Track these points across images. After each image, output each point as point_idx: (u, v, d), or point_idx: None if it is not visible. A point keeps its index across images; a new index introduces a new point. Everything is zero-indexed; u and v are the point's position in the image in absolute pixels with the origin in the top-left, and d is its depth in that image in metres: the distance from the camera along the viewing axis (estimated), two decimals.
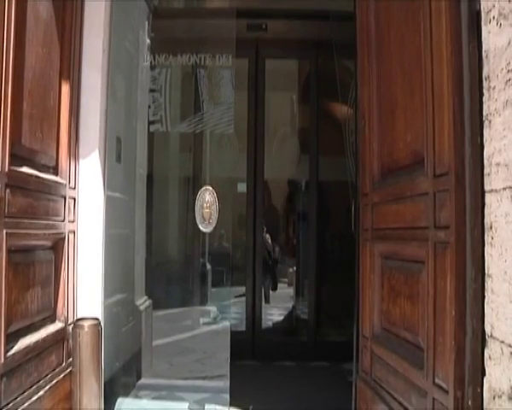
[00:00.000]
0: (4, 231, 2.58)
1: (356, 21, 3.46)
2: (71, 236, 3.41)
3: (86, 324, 3.24)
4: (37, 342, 2.91)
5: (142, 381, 4.55)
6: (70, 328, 3.30)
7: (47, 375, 3.05)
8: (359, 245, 3.42)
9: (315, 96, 6.18)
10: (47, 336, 3.04)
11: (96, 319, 3.31)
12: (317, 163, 6.10)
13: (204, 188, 4.10)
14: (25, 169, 2.83)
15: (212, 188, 4.12)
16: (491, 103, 2.06)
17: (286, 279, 7.48)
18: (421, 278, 2.52)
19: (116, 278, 4.18)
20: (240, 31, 5.09)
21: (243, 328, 5.93)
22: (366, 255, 3.30)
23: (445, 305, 2.25)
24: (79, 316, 3.39)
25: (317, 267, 5.93)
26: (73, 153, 3.45)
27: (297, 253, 6.50)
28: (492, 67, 2.06)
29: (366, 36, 3.31)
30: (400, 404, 2.70)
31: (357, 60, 3.46)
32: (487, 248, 2.07)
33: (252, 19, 5.88)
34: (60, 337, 3.22)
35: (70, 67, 3.40)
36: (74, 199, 3.48)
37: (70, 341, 3.28)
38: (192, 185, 6.04)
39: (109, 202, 3.81)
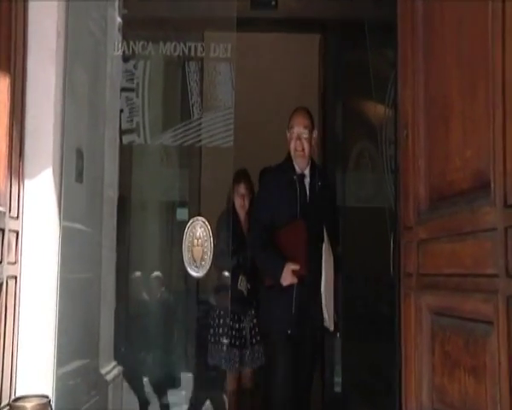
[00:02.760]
0: None
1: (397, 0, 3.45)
2: (10, 282, 3.38)
3: (29, 404, 3.16)
4: None
5: None
6: None
7: None
8: (400, 295, 3.39)
9: (340, 93, 6.18)
10: None
11: (45, 396, 3.24)
12: (342, 182, 6.07)
13: (194, 219, 4.11)
14: None
15: (206, 219, 4.17)
16: None
17: None
18: (489, 345, 2.45)
19: (74, 339, 4.13)
20: (242, 9, 5.08)
21: None
22: (410, 309, 3.26)
23: None
24: (20, 393, 3.32)
25: (343, 322, 5.86)
26: (16, 171, 3.44)
27: None
28: None
29: (410, 19, 3.30)
30: None
31: (397, 50, 3.45)
32: None
33: None
34: None
35: (10, 56, 3.37)
36: (17, 233, 3.46)
37: None
38: (178, 214, 5.98)
39: (66, 236, 3.80)
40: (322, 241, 4.29)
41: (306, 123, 4.49)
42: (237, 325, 5.14)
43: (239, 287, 5.03)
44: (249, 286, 5.07)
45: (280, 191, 4.48)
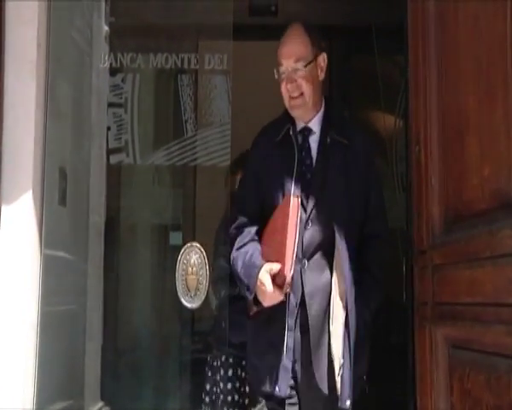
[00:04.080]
0: None
1: (407, 0, 3.46)
2: None
3: None
4: None
5: None
6: None
7: None
8: (414, 326, 3.36)
9: (346, 103, 6.18)
10: None
11: None
12: None
13: (188, 245, 4.11)
14: None
15: (201, 243, 4.18)
16: None
17: None
18: None
19: (56, 378, 4.12)
20: (239, 16, 5.07)
21: None
22: (425, 342, 3.21)
23: None
24: None
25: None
26: None
27: None
28: None
29: (421, 21, 3.29)
30: None
31: (407, 56, 3.44)
32: None
33: None
34: None
35: None
36: None
37: None
38: (171, 239, 5.96)
39: (48, 265, 3.78)
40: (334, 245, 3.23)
41: (300, 52, 3.40)
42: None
43: None
44: None
45: (272, 159, 3.38)
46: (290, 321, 3.19)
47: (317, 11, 6.00)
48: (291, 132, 3.37)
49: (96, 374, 4.83)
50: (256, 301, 3.23)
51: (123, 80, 5.03)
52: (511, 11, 2.41)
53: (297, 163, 3.29)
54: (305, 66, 3.35)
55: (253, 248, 3.32)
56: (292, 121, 3.41)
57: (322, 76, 3.48)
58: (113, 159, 5.00)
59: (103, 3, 4.99)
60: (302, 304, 3.22)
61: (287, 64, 3.36)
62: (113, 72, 4.95)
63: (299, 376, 3.23)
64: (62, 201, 4.27)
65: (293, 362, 3.21)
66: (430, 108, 3.20)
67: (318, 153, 3.35)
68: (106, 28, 4.96)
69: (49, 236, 3.75)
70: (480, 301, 2.67)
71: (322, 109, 3.48)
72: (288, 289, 3.16)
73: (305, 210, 3.26)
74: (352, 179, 3.34)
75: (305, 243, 3.24)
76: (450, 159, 3.01)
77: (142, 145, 5.11)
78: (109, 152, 4.97)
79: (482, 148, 2.67)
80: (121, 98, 5.03)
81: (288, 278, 3.10)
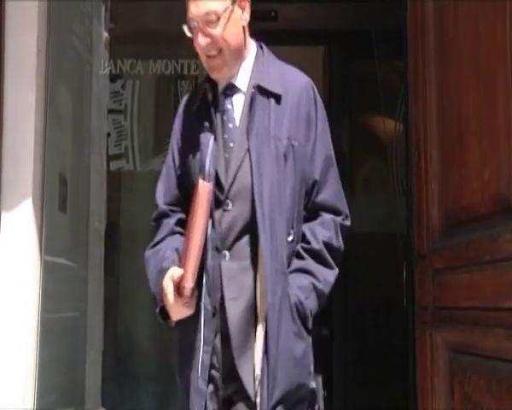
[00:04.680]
0: None
1: (406, 4, 3.44)
2: None
3: None
4: None
5: None
6: None
7: None
8: (415, 330, 3.33)
9: (346, 108, 6.19)
10: None
11: None
12: (350, 205, 6.03)
13: None
14: None
15: None
16: None
17: None
18: None
19: (57, 385, 4.09)
20: None
21: None
22: (425, 346, 3.19)
23: None
24: None
25: (353, 358, 5.84)
26: None
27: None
28: None
29: (421, 25, 3.28)
30: None
31: (407, 60, 3.43)
32: None
33: (255, 3, 5.89)
34: None
35: None
36: None
37: None
38: None
39: (48, 272, 3.76)
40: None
41: (209, 3, 2.60)
42: None
43: None
44: None
45: (189, 132, 2.79)
46: (207, 332, 2.55)
47: (316, 16, 6.01)
48: (209, 95, 2.73)
49: (96, 380, 4.81)
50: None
51: (123, 87, 5.03)
52: (510, 14, 2.41)
53: (215, 131, 2.66)
54: (221, 15, 2.60)
55: (167, 245, 2.70)
56: (212, 80, 2.75)
57: (245, 18, 2.72)
58: (114, 165, 5.01)
59: (103, 10, 4.98)
60: (223, 307, 2.56)
61: (198, 16, 2.60)
62: (112, 78, 4.96)
63: (221, 392, 2.58)
64: (62, 207, 4.26)
65: (214, 378, 2.57)
66: (430, 112, 3.19)
67: (243, 114, 2.67)
68: (106, 35, 4.96)
69: (49, 242, 3.74)
70: (480, 306, 2.66)
71: (251, 58, 2.78)
72: (187, 304, 2.53)
73: (223, 189, 2.60)
74: (287, 143, 2.64)
75: (223, 230, 2.58)
76: (450, 163, 3.00)
77: (142, 151, 5.11)
78: (109, 158, 4.97)
79: (482, 152, 2.66)
80: (121, 105, 5.03)
81: (187, 291, 2.49)
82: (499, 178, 2.50)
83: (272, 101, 2.68)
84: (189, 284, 2.48)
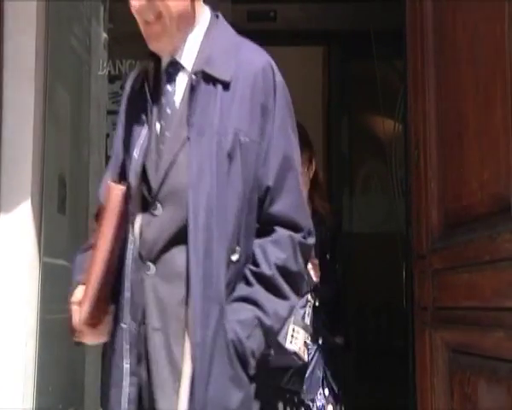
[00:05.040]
0: None
1: (405, 4, 3.44)
2: None
3: None
4: None
5: None
6: None
7: None
8: (414, 330, 3.33)
9: (345, 108, 6.19)
10: None
11: None
12: (349, 206, 6.05)
13: None
14: None
15: None
16: None
17: None
18: None
19: (56, 386, 4.06)
20: (238, 22, 5.05)
21: None
22: (425, 346, 3.19)
23: None
24: None
25: (352, 358, 5.83)
26: None
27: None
28: None
29: (420, 25, 3.27)
30: None
31: (406, 61, 3.42)
32: None
33: (254, 4, 5.90)
34: None
35: None
36: None
37: None
38: None
39: (47, 274, 3.74)
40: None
41: None
42: None
43: (288, 346, 3.23)
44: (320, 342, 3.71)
45: (126, 119, 2.38)
46: (126, 363, 2.15)
47: (315, 16, 6.02)
48: (149, 73, 2.30)
49: (96, 382, 4.79)
50: None
51: (122, 87, 5.02)
52: (509, 15, 2.40)
53: (150, 116, 2.22)
54: None
55: (89, 254, 2.25)
56: (155, 56, 2.31)
57: None
58: None
59: (102, 10, 4.97)
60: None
61: None
62: (111, 79, 4.93)
63: None
64: (62, 208, 4.23)
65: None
66: (429, 112, 3.19)
67: (183, 101, 2.20)
68: (104, 35, 4.94)
69: (48, 244, 3.73)
70: (479, 306, 2.66)
71: (201, 29, 2.31)
72: (78, 339, 2.24)
73: (151, 188, 2.17)
74: (234, 138, 2.15)
75: (149, 237, 2.14)
76: (449, 163, 3.00)
77: None
78: (108, 159, 4.95)
79: (481, 152, 2.66)
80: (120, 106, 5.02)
81: (82, 318, 2.14)
82: (498, 178, 2.50)
83: (219, 87, 2.18)
84: (85, 310, 2.12)
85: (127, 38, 5.05)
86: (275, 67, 2.30)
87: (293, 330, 3.27)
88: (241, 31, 4.83)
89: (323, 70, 6.78)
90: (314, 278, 3.67)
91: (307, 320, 3.46)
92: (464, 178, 2.82)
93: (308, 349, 3.45)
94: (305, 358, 3.40)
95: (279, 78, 2.30)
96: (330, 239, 3.93)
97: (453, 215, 2.96)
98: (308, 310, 3.49)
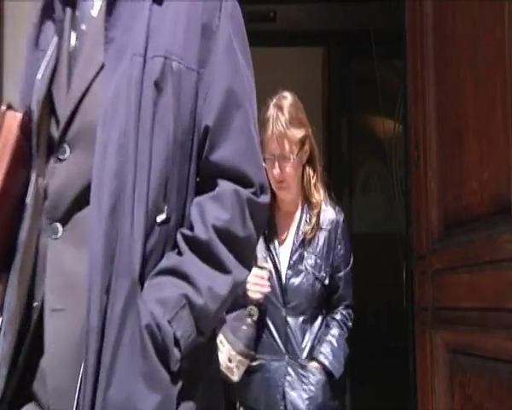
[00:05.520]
0: None
1: (405, 4, 3.44)
2: None
3: None
4: None
5: None
6: None
7: None
8: (414, 331, 3.33)
9: (345, 109, 6.18)
10: None
11: None
12: (349, 206, 6.04)
13: None
14: None
15: None
16: None
17: None
18: None
19: None
20: None
21: None
22: (425, 347, 3.19)
23: None
24: None
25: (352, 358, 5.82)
26: None
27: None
28: None
29: (420, 25, 3.26)
30: None
31: (406, 61, 3.42)
32: None
33: (254, 4, 5.88)
34: None
35: None
36: None
37: None
38: None
39: None
40: None
41: None
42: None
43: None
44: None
45: (38, 32, 1.79)
46: (7, 348, 1.61)
47: (315, 17, 6.00)
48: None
49: None
50: None
51: None
52: (509, 14, 2.40)
53: (61, 32, 1.72)
54: None
55: None
56: None
57: None
58: None
59: None
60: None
61: None
62: None
63: None
64: None
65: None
66: (429, 113, 3.19)
67: (100, 12, 1.71)
68: None
69: None
70: (480, 306, 2.65)
71: None
72: None
73: (58, 123, 1.68)
74: (164, 63, 1.65)
75: (53, 190, 1.65)
76: (449, 163, 3.00)
77: None
78: None
79: (481, 152, 2.65)
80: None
81: None
82: (498, 178, 2.49)
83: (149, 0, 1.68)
84: None
85: None
86: None
87: (220, 341, 3.00)
88: None
89: (323, 70, 6.76)
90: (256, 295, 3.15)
91: (241, 335, 3.09)
92: (464, 179, 2.81)
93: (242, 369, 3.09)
94: (233, 378, 3.05)
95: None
96: None
97: (453, 215, 2.95)
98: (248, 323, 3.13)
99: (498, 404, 2.51)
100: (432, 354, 3.12)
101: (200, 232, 1.63)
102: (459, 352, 2.89)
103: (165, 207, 1.63)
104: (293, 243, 3.32)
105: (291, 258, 3.29)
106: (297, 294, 3.26)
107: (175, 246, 1.66)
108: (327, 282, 3.39)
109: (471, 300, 2.72)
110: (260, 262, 3.20)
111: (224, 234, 1.64)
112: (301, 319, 3.28)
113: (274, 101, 3.27)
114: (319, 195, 3.36)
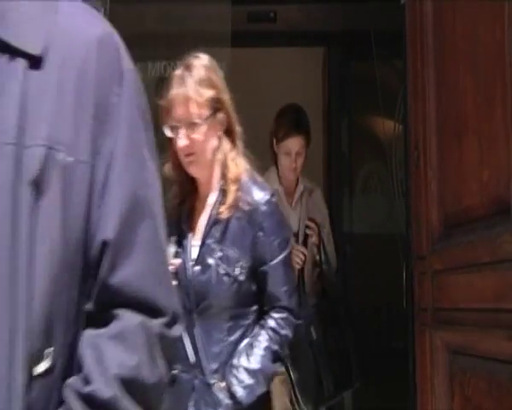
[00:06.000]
0: None
1: (405, 4, 3.43)
2: None
3: None
4: None
5: None
6: None
7: None
8: (414, 331, 3.32)
9: (345, 109, 6.18)
10: None
11: None
12: (349, 207, 6.03)
13: None
14: None
15: None
16: None
17: None
18: None
19: None
20: (238, 23, 5.05)
21: None
22: (425, 348, 3.18)
23: None
24: None
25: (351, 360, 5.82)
26: None
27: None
28: None
29: (420, 26, 3.25)
30: None
31: (406, 62, 3.41)
32: None
33: (254, 5, 5.89)
34: None
35: None
36: None
37: None
38: None
39: None
40: None
41: None
42: None
43: None
44: None
45: None
46: None
47: (315, 17, 5.99)
48: None
49: None
50: None
51: None
52: (509, 14, 2.39)
53: None
54: None
55: None
56: None
57: None
58: None
59: (102, 13, 4.96)
60: None
61: None
62: None
63: None
64: None
65: None
66: (429, 114, 3.18)
67: None
68: None
69: None
70: (479, 307, 2.65)
71: None
72: None
73: None
74: (45, 154, 1.15)
75: None
76: (449, 164, 2.99)
77: None
78: None
79: (481, 153, 2.64)
80: None
81: None
82: (498, 180, 2.48)
83: (22, 63, 1.18)
84: None
85: (126, 40, 5.06)
86: (121, 45, 1.35)
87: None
88: (241, 32, 4.83)
89: (323, 71, 6.75)
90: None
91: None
92: (464, 180, 2.81)
93: None
94: None
95: (127, 63, 1.34)
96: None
97: (453, 216, 2.95)
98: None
99: (498, 404, 2.50)
100: (431, 355, 3.11)
101: (101, 388, 1.16)
102: (459, 352, 2.89)
103: (49, 352, 1.16)
104: (204, 232, 2.82)
105: (200, 251, 2.80)
106: (205, 294, 2.76)
107: (60, 403, 1.17)
108: (242, 278, 2.77)
109: (471, 300, 2.72)
110: (170, 259, 2.61)
111: (130, 385, 1.20)
112: (213, 324, 2.79)
113: (184, 61, 2.87)
114: (238, 170, 2.84)
